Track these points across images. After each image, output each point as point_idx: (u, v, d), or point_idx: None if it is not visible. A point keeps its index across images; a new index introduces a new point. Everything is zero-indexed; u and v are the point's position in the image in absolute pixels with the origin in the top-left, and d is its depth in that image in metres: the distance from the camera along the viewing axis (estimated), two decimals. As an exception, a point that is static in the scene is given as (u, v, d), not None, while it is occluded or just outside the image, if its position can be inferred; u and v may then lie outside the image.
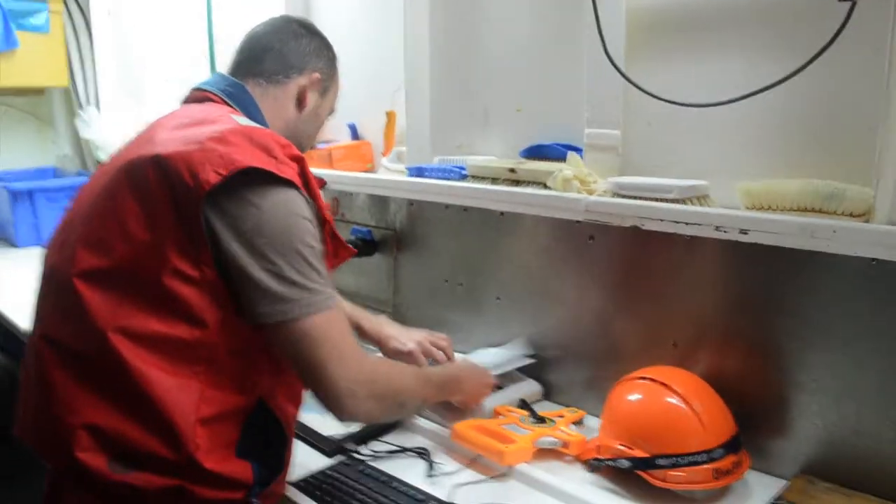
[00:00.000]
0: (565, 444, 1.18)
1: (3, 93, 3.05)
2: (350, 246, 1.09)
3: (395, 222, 1.75)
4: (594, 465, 1.12)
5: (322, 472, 1.12)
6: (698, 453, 1.03)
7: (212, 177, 0.88)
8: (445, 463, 1.16)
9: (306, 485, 1.08)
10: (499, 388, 1.37)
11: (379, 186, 1.77)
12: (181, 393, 0.90)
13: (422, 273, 1.70)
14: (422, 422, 1.27)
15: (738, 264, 1.13)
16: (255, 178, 0.91)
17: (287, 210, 0.92)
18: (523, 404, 1.32)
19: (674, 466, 1.03)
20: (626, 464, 1.06)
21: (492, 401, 1.30)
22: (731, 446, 1.05)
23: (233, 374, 0.94)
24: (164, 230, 0.89)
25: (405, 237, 1.73)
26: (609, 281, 1.32)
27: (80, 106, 3.06)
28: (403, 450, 1.19)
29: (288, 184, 0.93)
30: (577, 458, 1.16)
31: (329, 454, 1.19)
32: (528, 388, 1.42)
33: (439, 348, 1.34)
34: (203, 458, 0.89)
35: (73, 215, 1.00)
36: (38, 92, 3.18)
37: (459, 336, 1.62)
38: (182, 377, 0.90)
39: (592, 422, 1.30)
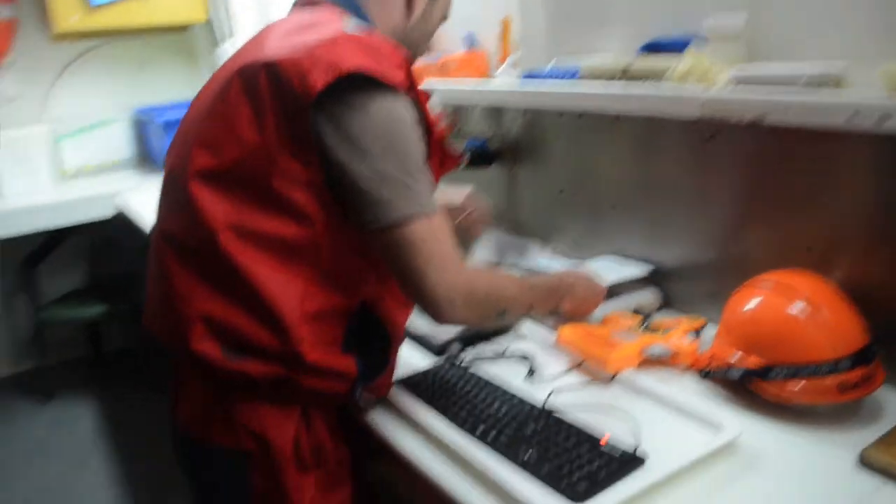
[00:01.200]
0: (675, 354, 1.12)
1: (150, 31, 3.27)
2: (456, 155, 1.07)
3: (510, 133, 1.71)
4: (705, 374, 1.06)
5: (425, 372, 1.14)
6: (821, 364, 0.94)
7: (319, 82, 0.88)
8: (549, 367, 1.15)
9: (408, 382, 1.11)
10: (612, 296, 1.33)
11: (488, 95, 1.73)
12: (287, 289, 0.94)
13: (538, 183, 1.66)
14: (529, 326, 1.27)
15: (881, 158, 1.00)
16: (362, 83, 0.90)
17: (392, 115, 0.92)
18: (638, 313, 1.27)
19: (792, 377, 0.95)
20: (737, 373, 1.00)
21: (603, 309, 1.27)
22: (862, 357, 0.95)
23: (337, 276, 0.97)
24: (274, 134, 0.92)
25: (522, 148, 1.69)
26: (733, 183, 1.22)
27: (219, 41, 3.22)
28: (506, 354, 1.20)
29: (394, 89, 0.92)
30: (691, 368, 1.11)
31: (435, 353, 1.22)
32: (645, 297, 1.36)
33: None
34: (307, 350, 0.94)
35: (190, 118, 1.05)
36: (181, 29, 3.37)
37: (576, 246, 1.59)
38: (288, 274, 0.94)
39: (711, 333, 1.23)
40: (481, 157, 1.73)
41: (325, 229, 0.94)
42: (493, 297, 0.99)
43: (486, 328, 1.25)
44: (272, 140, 0.92)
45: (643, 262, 1.40)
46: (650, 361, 1.13)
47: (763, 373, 0.97)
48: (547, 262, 1.53)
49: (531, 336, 1.25)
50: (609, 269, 1.40)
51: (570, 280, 1.18)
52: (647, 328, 1.20)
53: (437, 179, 1.02)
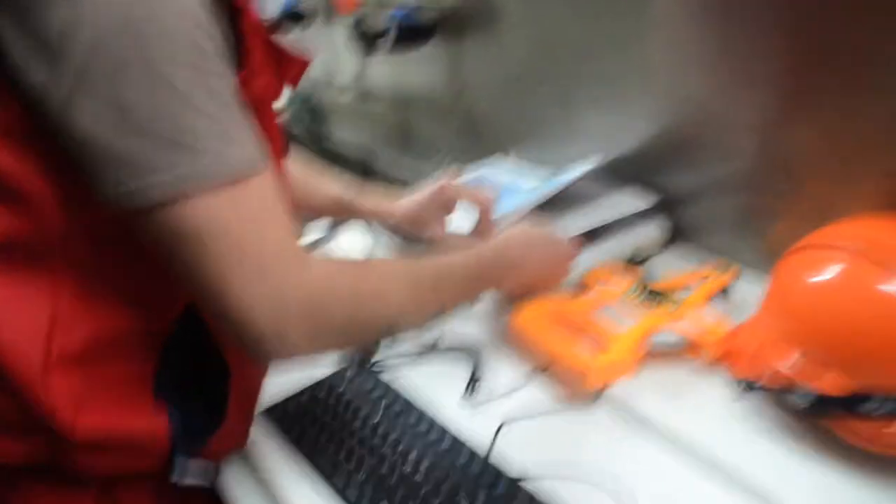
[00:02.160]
0: (693, 345, 0.72)
1: None
2: (298, 55, 0.62)
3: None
4: (747, 388, 0.66)
5: (314, 386, 0.75)
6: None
7: None
8: (501, 372, 0.75)
9: (280, 412, 0.72)
10: (596, 238, 0.91)
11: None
12: (15, 322, 0.53)
13: (490, 67, 1.19)
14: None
15: None
16: None
17: None
18: (633, 261, 0.86)
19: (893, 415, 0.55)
20: (804, 400, 0.60)
21: (581, 262, 0.85)
22: None
23: (117, 283, 0.56)
24: None
25: (465, 17, 1.20)
26: (778, 62, 0.77)
27: None
28: (438, 347, 0.79)
29: None
30: (720, 363, 0.71)
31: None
32: (644, 234, 0.94)
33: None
34: (68, 416, 0.54)
35: None
36: None
37: (547, 154, 1.15)
38: (12, 298, 0.53)
39: (749, 289, 0.82)
40: (411, 32, 1.24)
41: (62, 212, 0.52)
42: (363, 310, 0.57)
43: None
44: None
45: (637, 192, 0.97)
46: (656, 354, 0.73)
47: (852, 403, 0.57)
48: (507, 175, 1.10)
49: (476, 315, 0.84)
50: (591, 194, 0.97)
51: (514, 247, 0.75)
52: (647, 294, 0.79)
53: (268, 99, 0.59)
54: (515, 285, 0.76)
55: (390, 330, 0.61)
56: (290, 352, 0.52)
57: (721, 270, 0.82)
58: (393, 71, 1.42)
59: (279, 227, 0.53)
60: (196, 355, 0.61)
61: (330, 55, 1.56)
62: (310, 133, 1.56)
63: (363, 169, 1.55)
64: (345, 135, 1.68)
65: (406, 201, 0.92)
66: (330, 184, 0.93)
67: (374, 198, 0.94)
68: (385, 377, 0.75)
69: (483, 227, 0.89)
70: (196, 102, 0.48)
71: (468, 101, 1.27)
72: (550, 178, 0.99)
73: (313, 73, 1.70)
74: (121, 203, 0.48)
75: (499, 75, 1.17)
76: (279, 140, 0.65)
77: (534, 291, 0.79)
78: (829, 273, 0.61)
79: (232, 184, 0.50)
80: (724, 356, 0.71)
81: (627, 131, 0.98)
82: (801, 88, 0.77)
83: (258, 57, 0.57)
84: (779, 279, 0.67)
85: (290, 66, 0.62)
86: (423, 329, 0.75)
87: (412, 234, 0.92)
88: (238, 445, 0.68)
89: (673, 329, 0.73)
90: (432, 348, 0.79)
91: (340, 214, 0.95)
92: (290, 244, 0.53)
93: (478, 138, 1.28)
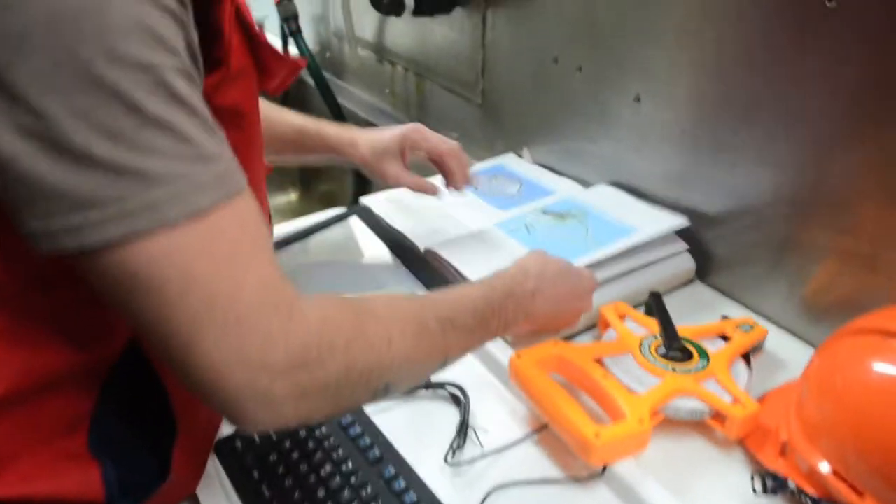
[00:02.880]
0: (718, 415, 0.63)
1: None
2: (291, 60, 0.52)
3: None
4: (773, 487, 0.57)
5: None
6: None
7: None
8: (493, 426, 0.67)
9: (229, 454, 0.64)
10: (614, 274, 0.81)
11: None
12: None
13: (520, 44, 1.07)
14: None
15: None
16: None
17: None
18: (656, 303, 0.76)
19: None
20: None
21: (597, 300, 0.76)
22: None
23: (49, 311, 0.47)
24: None
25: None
26: (850, 80, 0.66)
27: None
28: (427, 386, 0.71)
29: None
30: (742, 445, 0.63)
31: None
32: (670, 269, 0.85)
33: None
34: None
35: None
36: None
37: (571, 158, 1.04)
38: None
39: (781, 342, 0.74)
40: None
41: None
42: (362, 361, 0.47)
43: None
44: None
45: (670, 202, 0.87)
46: (672, 422, 0.64)
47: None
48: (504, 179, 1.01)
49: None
50: (621, 212, 0.87)
51: (530, 278, 0.65)
52: (669, 344, 0.70)
53: (248, 106, 0.49)
54: (530, 324, 0.66)
55: (388, 388, 0.51)
56: (274, 417, 0.43)
57: (749, 327, 0.73)
58: (415, 33, 1.29)
59: (259, 263, 0.43)
60: (139, 399, 0.52)
61: (351, 6, 1.43)
62: (320, 86, 1.44)
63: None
64: (358, 93, 1.56)
65: (370, 133, 0.85)
66: (292, 114, 0.85)
67: (337, 128, 0.86)
68: (368, 410, 0.67)
69: (458, 179, 0.86)
70: (150, 113, 0.38)
71: (491, 82, 1.15)
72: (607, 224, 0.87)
73: (332, 25, 1.57)
74: (54, 244, 0.39)
75: (528, 58, 1.05)
76: (260, 155, 0.55)
77: (547, 330, 0.70)
78: (883, 368, 0.52)
79: (199, 217, 0.40)
80: (749, 434, 0.62)
81: (669, 148, 0.87)
82: (853, 113, 0.66)
83: (238, 56, 0.47)
84: (831, 360, 0.57)
85: (276, 70, 0.51)
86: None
87: (373, 171, 0.85)
88: (187, 494, 0.60)
89: (694, 394, 0.64)
90: (421, 386, 0.71)
91: (303, 146, 0.86)
92: (274, 284, 0.43)
93: (495, 127, 1.17)
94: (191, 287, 0.40)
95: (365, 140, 0.85)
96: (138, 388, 0.52)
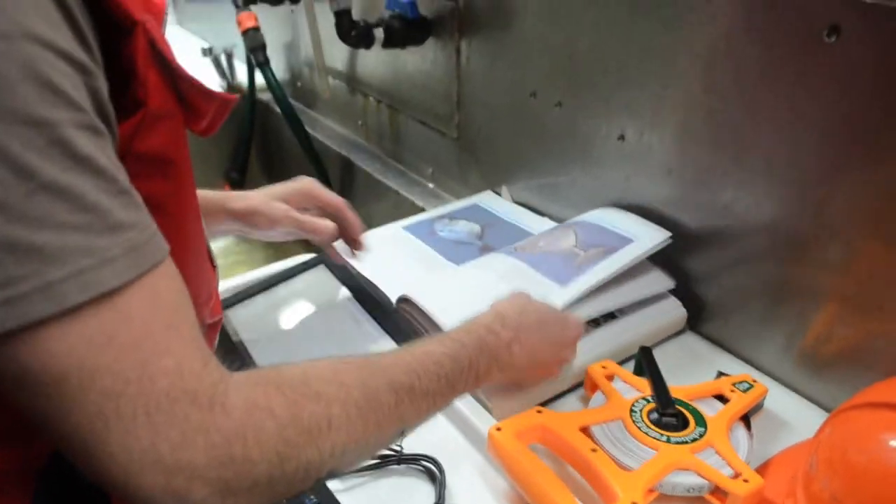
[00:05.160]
0: (719, 490, 0.57)
1: None
2: (221, 95, 0.46)
3: (457, -12, 1.03)
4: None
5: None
6: None
7: None
8: (470, 495, 0.60)
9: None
10: (601, 320, 0.75)
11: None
12: None
13: (496, 77, 1.01)
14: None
15: None
16: None
17: None
18: (646, 361, 0.70)
19: None
20: None
21: (582, 354, 0.70)
22: None
23: None
24: None
25: (471, 15, 1.02)
26: (847, 116, 0.61)
27: None
28: (399, 461, 0.64)
29: None
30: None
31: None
32: (659, 318, 0.79)
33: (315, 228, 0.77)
34: None
35: None
36: None
37: (551, 196, 0.99)
38: None
39: (780, 398, 0.68)
40: (408, 29, 1.07)
41: None
42: (297, 451, 0.40)
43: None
44: None
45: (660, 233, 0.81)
46: (667, 498, 0.58)
47: None
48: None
49: (448, 410, 0.68)
50: (611, 220, 0.82)
51: (504, 330, 0.59)
52: (662, 408, 0.64)
53: (173, 153, 0.43)
54: (505, 375, 0.60)
55: (332, 474, 0.45)
56: None
57: (748, 385, 0.67)
58: (386, 65, 1.24)
59: (176, 347, 0.37)
60: (76, 498, 0.46)
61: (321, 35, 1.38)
62: (288, 117, 1.38)
63: (343, 164, 1.38)
64: (331, 124, 1.51)
65: (266, 190, 0.78)
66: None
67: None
68: (332, 486, 0.60)
69: (350, 233, 0.79)
70: (43, 177, 0.32)
71: (467, 116, 1.10)
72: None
73: (302, 54, 1.52)
74: None
75: (505, 92, 1.00)
76: (194, 205, 0.49)
77: (525, 382, 0.64)
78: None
79: (104, 299, 0.34)
80: (752, 510, 0.56)
81: (656, 189, 0.82)
82: (850, 150, 0.61)
83: (158, 95, 0.41)
84: (844, 433, 0.51)
85: (204, 109, 0.45)
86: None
87: (261, 227, 0.77)
88: None
89: (692, 468, 0.58)
90: (391, 458, 0.64)
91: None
92: (191, 369, 0.37)
93: (472, 162, 1.11)
94: (93, 380, 0.34)
95: (259, 196, 0.77)
96: (76, 494, 0.45)
